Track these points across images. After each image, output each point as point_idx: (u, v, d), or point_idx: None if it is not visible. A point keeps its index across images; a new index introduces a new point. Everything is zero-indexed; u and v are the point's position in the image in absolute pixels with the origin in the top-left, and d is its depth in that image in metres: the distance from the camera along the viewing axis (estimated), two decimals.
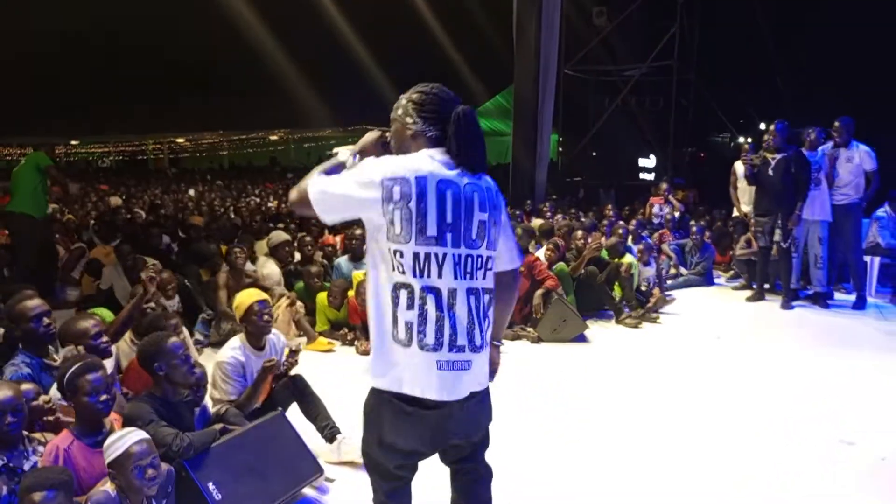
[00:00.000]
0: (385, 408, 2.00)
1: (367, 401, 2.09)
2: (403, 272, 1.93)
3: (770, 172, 6.88)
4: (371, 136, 2.22)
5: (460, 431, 2.07)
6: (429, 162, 1.97)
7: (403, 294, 1.93)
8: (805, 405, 4.50)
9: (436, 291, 1.93)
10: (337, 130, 36.46)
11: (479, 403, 2.10)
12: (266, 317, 3.68)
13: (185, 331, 4.54)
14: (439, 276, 1.94)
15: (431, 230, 1.92)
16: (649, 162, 16.91)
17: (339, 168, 2.09)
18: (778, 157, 6.84)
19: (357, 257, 6.81)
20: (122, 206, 11.70)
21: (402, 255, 1.92)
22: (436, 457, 2.19)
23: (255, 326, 3.67)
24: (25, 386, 2.87)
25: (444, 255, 1.94)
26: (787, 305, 7.03)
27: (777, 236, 6.92)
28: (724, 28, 15.20)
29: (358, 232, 6.87)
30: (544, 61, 12.83)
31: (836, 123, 7.08)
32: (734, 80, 15.92)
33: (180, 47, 29.12)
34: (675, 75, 14.40)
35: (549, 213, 10.17)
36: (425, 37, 25.57)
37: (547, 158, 13.87)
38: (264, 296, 3.82)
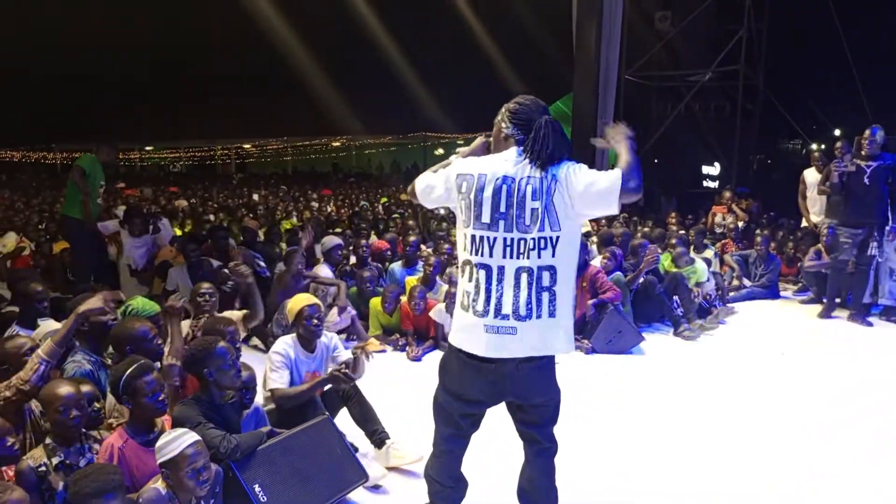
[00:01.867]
0: (453, 358, 2.45)
1: (443, 355, 2.56)
2: (466, 251, 2.39)
3: (866, 181, 6.45)
4: (478, 140, 2.66)
5: (515, 391, 2.41)
6: (497, 162, 2.39)
7: (466, 269, 2.40)
8: (847, 411, 4.48)
9: (487, 268, 2.34)
10: (396, 137, 36.96)
11: (538, 370, 2.39)
12: (316, 321, 3.74)
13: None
14: (490, 255, 2.34)
15: (486, 217, 2.34)
16: (713, 169, 16.40)
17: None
18: (874, 164, 6.43)
19: (410, 263, 6.84)
20: (187, 207, 12.14)
21: (465, 237, 2.39)
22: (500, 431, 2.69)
23: (306, 330, 3.74)
24: (86, 388, 2.95)
25: (495, 239, 2.33)
26: (861, 321, 6.68)
27: (873, 250, 6.53)
28: (794, 30, 14.63)
29: (411, 239, 6.90)
30: (604, 68, 12.66)
31: None
32: (805, 84, 15.31)
33: (248, 55, 30.13)
34: (741, 80, 13.93)
35: (604, 221, 10.00)
36: (477, 45, 25.74)
37: (606, 166, 13.62)
38: (315, 301, 3.87)
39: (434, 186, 2.50)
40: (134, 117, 34.35)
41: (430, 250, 7.04)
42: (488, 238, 2.33)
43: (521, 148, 2.37)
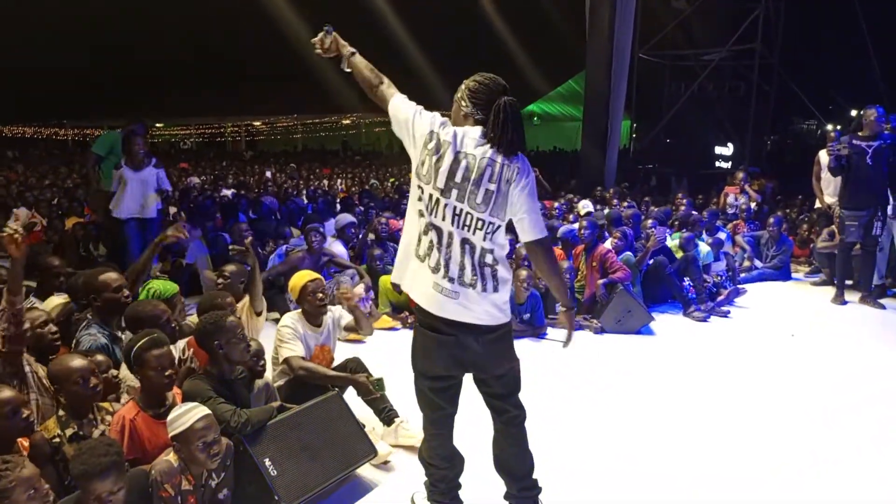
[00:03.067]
0: (418, 335, 2.53)
1: (412, 337, 2.59)
2: (421, 202, 2.42)
3: (868, 162, 6.33)
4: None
5: (476, 363, 2.49)
6: (461, 136, 2.41)
7: (423, 221, 2.43)
8: (852, 396, 4.46)
9: (438, 230, 2.41)
10: None
11: (498, 340, 2.48)
12: (321, 295, 3.75)
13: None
14: (442, 218, 2.40)
15: (440, 183, 2.38)
16: (726, 150, 16.24)
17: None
18: (875, 144, 6.32)
19: None
20: (199, 184, 12.18)
21: (422, 192, 2.42)
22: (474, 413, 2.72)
23: (311, 306, 3.76)
24: (100, 357, 3.01)
25: (447, 205, 2.39)
26: (873, 302, 6.63)
27: (876, 230, 6.46)
28: (811, 10, 14.38)
29: None
30: (618, 45, 12.49)
31: None
32: (822, 65, 15.08)
33: (257, 37, 30.10)
34: (757, 60, 13.72)
35: (615, 201, 9.94)
36: (488, 23, 25.48)
37: (617, 145, 13.54)
38: (317, 276, 3.88)
39: (408, 116, 2.44)
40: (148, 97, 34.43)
41: None
42: (440, 201, 2.39)
43: (483, 130, 2.41)
